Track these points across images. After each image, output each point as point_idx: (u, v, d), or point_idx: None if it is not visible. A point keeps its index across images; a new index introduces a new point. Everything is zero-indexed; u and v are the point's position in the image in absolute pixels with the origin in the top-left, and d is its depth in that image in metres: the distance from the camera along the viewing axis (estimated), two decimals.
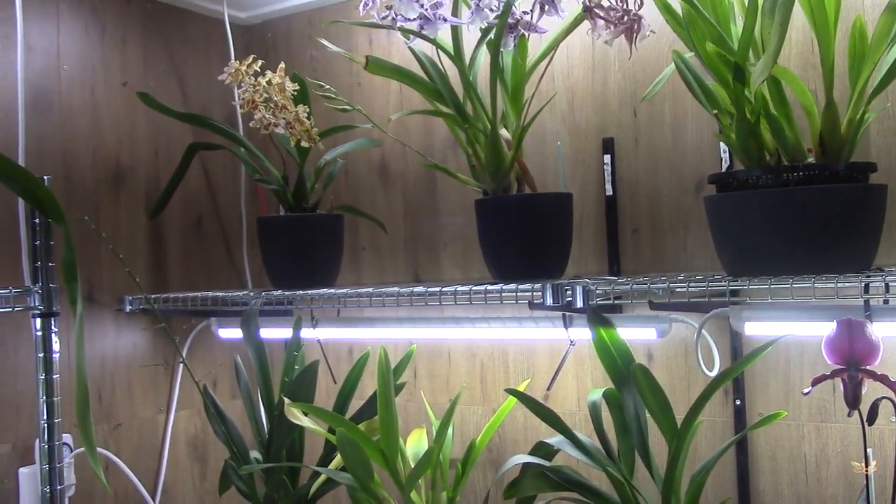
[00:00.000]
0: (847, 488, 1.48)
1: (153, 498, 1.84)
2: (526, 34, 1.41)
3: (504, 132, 1.48)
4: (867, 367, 1.17)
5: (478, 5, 1.35)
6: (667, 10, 1.26)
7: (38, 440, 1.53)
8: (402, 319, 1.82)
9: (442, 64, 1.48)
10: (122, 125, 1.84)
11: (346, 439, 1.43)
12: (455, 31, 1.44)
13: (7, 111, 1.64)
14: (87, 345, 1.74)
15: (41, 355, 1.51)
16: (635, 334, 1.55)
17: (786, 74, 1.20)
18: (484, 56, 1.47)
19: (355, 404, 1.67)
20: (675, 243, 1.61)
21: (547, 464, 1.41)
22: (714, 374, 1.49)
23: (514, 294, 1.37)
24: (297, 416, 1.54)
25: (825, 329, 1.19)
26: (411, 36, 1.37)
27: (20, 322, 1.62)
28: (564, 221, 1.51)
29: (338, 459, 1.59)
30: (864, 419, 1.18)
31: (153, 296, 1.76)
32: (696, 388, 1.59)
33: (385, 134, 1.71)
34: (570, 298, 1.31)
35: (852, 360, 1.17)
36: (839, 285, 1.13)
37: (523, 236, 1.47)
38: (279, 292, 1.64)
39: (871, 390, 1.18)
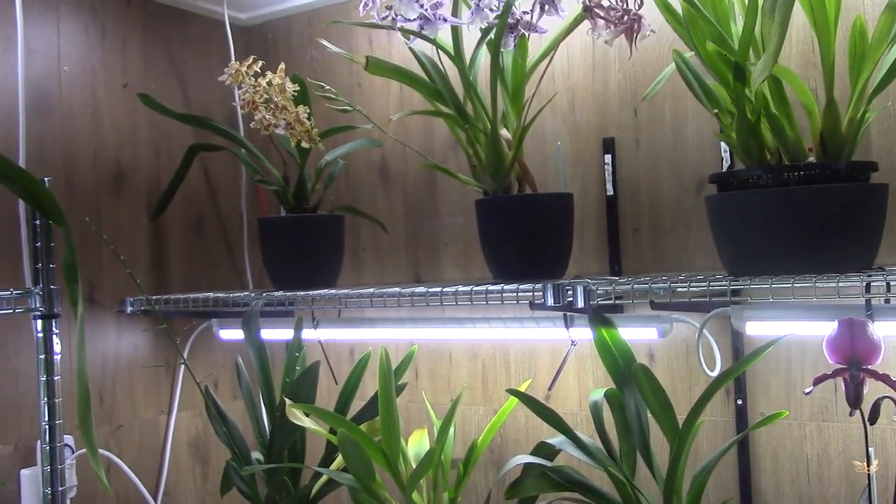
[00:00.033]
0: (849, 488, 1.48)
1: (155, 499, 1.85)
2: (526, 34, 1.41)
3: (504, 132, 1.48)
4: (869, 367, 1.16)
5: (478, 5, 1.35)
6: (667, 9, 1.26)
7: (39, 442, 1.53)
8: (404, 320, 1.81)
9: (442, 64, 1.47)
10: (122, 127, 1.84)
11: (348, 440, 1.43)
12: (455, 31, 1.44)
13: (8, 113, 1.64)
14: (89, 346, 1.74)
15: (42, 357, 1.51)
16: (636, 334, 1.55)
17: (786, 74, 1.20)
18: (484, 56, 1.47)
19: (356, 405, 1.67)
20: (676, 243, 1.61)
21: (548, 464, 1.41)
22: (715, 373, 1.49)
23: (515, 294, 1.37)
24: (298, 416, 1.54)
25: (826, 328, 1.19)
26: (411, 36, 1.37)
27: (21, 324, 1.62)
28: (565, 221, 1.51)
29: (339, 460, 1.59)
30: (866, 419, 1.18)
31: (154, 297, 1.76)
32: (697, 387, 1.59)
33: (385, 134, 1.71)
34: (571, 298, 1.31)
35: (854, 360, 1.17)
36: (840, 285, 1.13)
37: (524, 236, 1.47)
38: (280, 293, 1.64)
39: (872, 390, 1.17)
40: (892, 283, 1.13)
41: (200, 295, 1.72)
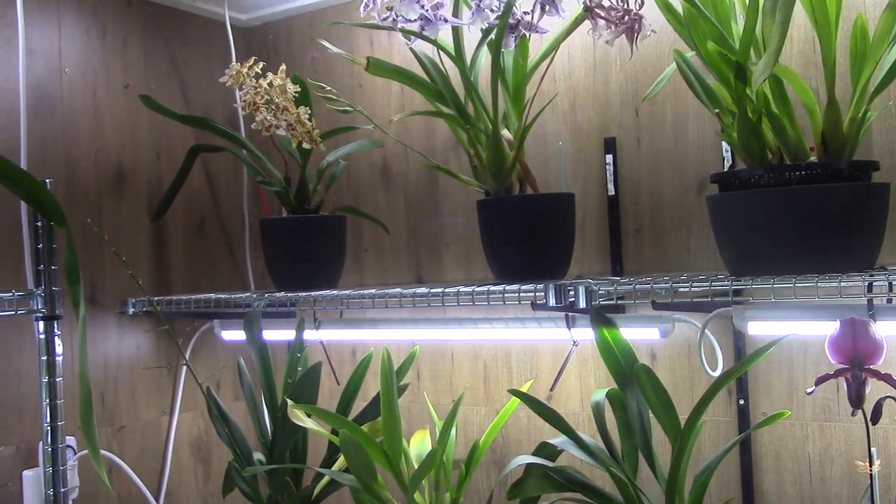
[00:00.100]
0: (851, 488, 1.48)
1: (157, 500, 1.85)
2: (527, 34, 1.41)
3: (505, 132, 1.48)
4: (871, 367, 1.16)
5: (478, 6, 1.35)
6: (668, 9, 1.26)
7: (41, 443, 1.53)
8: (405, 320, 1.81)
9: (443, 65, 1.47)
10: (123, 128, 1.84)
11: (350, 441, 1.43)
12: (456, 31, 1.44)
13: (9, 114, 1.64)
14: (90, 347, 1.74)
15: (44, 358, 1.51)
16: (638, 334, 1.55)
17: (787, 73, 1.20)
18: (485, 57, 1.46)
19: (358, 405, 1.67)
20: (677, 243, 1.61)
21: (550, 464, 1.41)
22: (717, 373, 1.49)
23: (517, 295, 1.37)
24: (300, 417, 1.54)
25: (828, 328, 1.19)
26: (412, 37, 1.37)
27: (23, 325, 1.62)
28: (566, 222, 1.51)
29: (341, 461, 1.59)
30: (868, 418, 1.18)
31: (156, 298, 1.76)
32: (699, 387, 1.59)
33: (386, 135, 1.71)
34: (572, 299, 1.31)
35: (856, 360, 1.17)
36: (842, 284, 1.13)
37: (525, 237, 1.47)
38: (282, 294, 1.64)
39: (874, 389, 1.17)
40: (894, 282, 1.13)
41: (202, 296, 1.72)
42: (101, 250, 1.76)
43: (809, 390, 1.22)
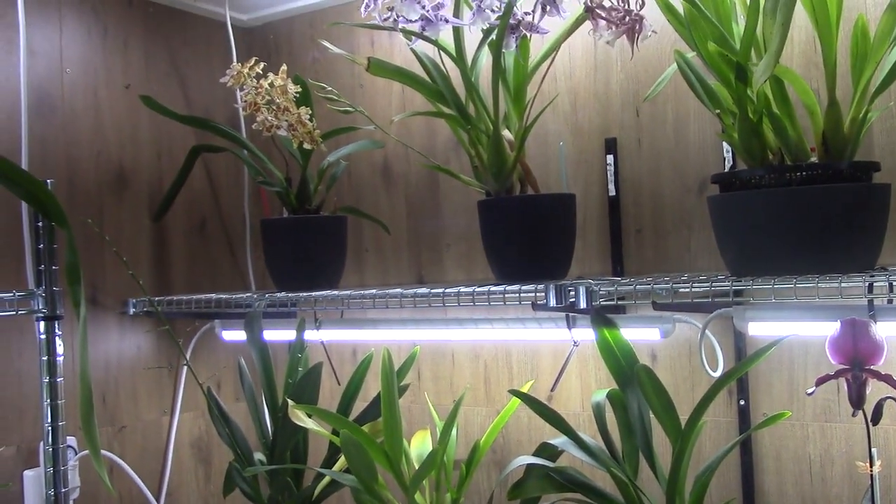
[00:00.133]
0: (852, 488, 1.48)
1: (157, 500, 1.85)
2: (528, 35, 1.41)
3: (506, 133, 1.48)
4: (871, 367, 1.16)
5: (479, 6, 1.35)
6: (668, 9, 1.26)
7: (42, 443, 1.53)
8: (406, 321, 1.82)
9: (444, 65, 1.48)
10: (124, 128, 1.84)
11: (350, 441, 1.43)
12: (457, 32, 1.44)
13: (10, 115, 1.64)
14: (91, 348, 1.74)
15: (45, 358, 1.51)
16: (639, 335, 1.55)
17: (788, 74, 1.20)
18: (486, 57, 1.47)
19: (359, 406, 1.67)
20: (678, 243, 1.61)
21: (551, 465, 1.41)
22: (718, 374, 1.49)
23: (518, 295, 1.37)
24: (300, 417, 1.54)
25: (829, 329, 1.19)
26: (413, 37, 1.37)
27: (24, 325, 1.62)
28: (567, 222, 1.51)
29: (342, 461, 1.59)
30: (869, 419, 1.18)
31: (157, 298, 1.76)
32: (699, 388, 1.59)
33: (387, 135, 1.71)
34: (573, 299, 1.31)
35: (856, 360, 1.17)
36: (843, 285, 1.13)
37: (526, 237, 1.47)
38: (283, 294, 1.64)
39: (875, 390, 1.17)
40: (894, 283, 1.13)
41: (203, 296, 1.72)
42: (101, 250, 1.76)
43: (810, 391, 1.22)
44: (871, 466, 1.21)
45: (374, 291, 1.52)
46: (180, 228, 1.94)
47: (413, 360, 1.69)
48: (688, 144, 1.60)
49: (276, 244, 1.72)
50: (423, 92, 1.50)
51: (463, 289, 1.43)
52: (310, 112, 1.63)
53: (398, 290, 1.50)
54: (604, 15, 1.29)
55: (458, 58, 1.44)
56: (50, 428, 1.51)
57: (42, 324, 1.52)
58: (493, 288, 1.39)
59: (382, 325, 1.83)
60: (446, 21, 1.34)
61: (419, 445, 1.66)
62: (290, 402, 1.55)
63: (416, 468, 1.50)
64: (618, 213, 1.65)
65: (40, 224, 1.51)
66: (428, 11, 1.32)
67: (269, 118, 1.61)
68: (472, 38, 1.44)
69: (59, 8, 1.74)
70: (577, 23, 1.41)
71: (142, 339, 1.85)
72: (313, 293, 1.61)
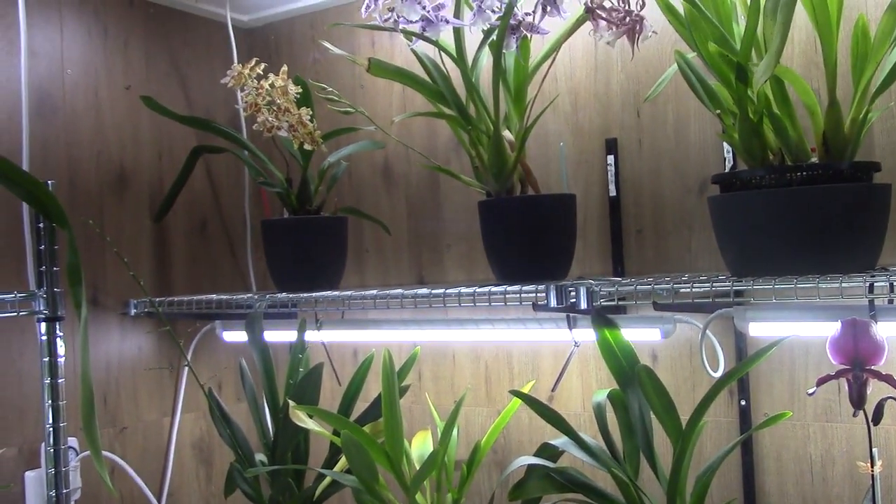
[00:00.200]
0: (853, 488, 1.48)
1: (159, 501, 1.85)
2: (528, 35, 1.41)
3: (507, 133, 1.48)
4: (872, 367, 1.16)
5: (480, 7, 1.35)
6: (669, 10, 1.26)
7: (43, 444, 1.54)
8: (407, 321, 1.82)
9: (444, 65, 1.48)
10: (125, 129, 1.84)
11: (351, 441, 1.43)
12: (457, 32, 1.44)
13: (11, 115, 1.64)
14: (92, 348, 1.74)
15: (46, 359, 1.51)
16: (639, 335, 1.55)
17: (788, 74, 1.20)
18: (486, 57, 1.47)
19: (360, 406, 1.68)
20: (678, 244, 1.61)
21: (552, 465, 1.41)
22: (719, 374, 1.49)
23: (518, 295, 1.37)
24: (301, 418, 1.54)
25: (830, 329, 1.19)
26: (414, 38, 1.37)
27: (25, 326, 1.62)
28: (568, 222, 1.51)
29: (343, 462, 1.59)
30: (870, 419, 1.18)
31: (158, 299, 1.76)
32: (700, 388, 1.59)
33: (388, 136, 1.72)
34: (574, 300, 1.31)
35: (857, 360, 1.17)
36: (843, 285, 1.13)
37: (527, 238, 1.47)
38: (283, 295, 1.64)
39: (876, 390, 1.17)
40: (895, 283, 1.13)
41: (204, 297, 1.72)
42: (102, 251, 1.76)
43: (811, 391, 1.22)
44: (871, 466, 1.21)
45: (374, 292, 1.52)
46: (181, 229, 1.94)
47: (414, 361, 1.69)
48: (688, 145, 1.60)
49: (277, 245, 1.72)
50: (424, 92, 1.50)
51: (463, 289, 1.43)
52: (310, 113, 1.63)
53: (399, 291, 1.50)
54: (604, 15, 1.29)
55: (459, 58, 1.44)
56: (51, 429, 1.51)
57: (43, 325, 1.52)
58: (494, 288, 1.39)
59: (383, 325, 1.83)
60: (447, 22, 1.34)
61: (420, 446, 1.66)
62: (291, 402, 1.55)
63: (417, 469, 1.50)
64: (618, 213, 1.65)
65: (41, 225, 1.51)
66: (428, 12, 1.32)
67: (270, 119, 1.61)
68: (472, 38, 1.44)
69: (60, 9, 1.74)
70: (578, 23, 1.41)
71: (143, 340, 1.85)
72: (314, 294, 1.61)
